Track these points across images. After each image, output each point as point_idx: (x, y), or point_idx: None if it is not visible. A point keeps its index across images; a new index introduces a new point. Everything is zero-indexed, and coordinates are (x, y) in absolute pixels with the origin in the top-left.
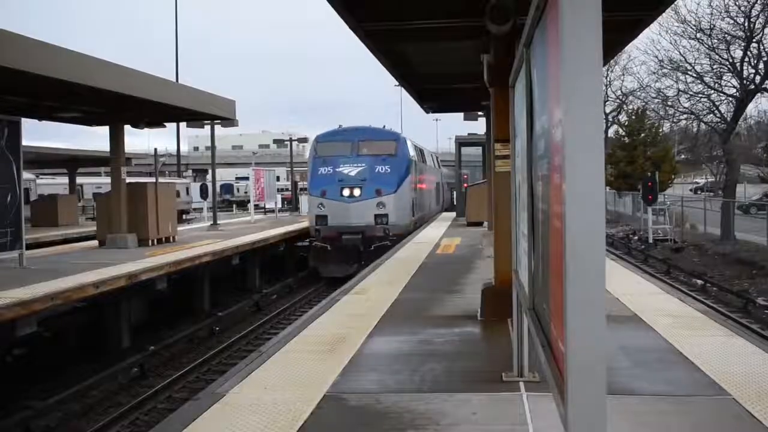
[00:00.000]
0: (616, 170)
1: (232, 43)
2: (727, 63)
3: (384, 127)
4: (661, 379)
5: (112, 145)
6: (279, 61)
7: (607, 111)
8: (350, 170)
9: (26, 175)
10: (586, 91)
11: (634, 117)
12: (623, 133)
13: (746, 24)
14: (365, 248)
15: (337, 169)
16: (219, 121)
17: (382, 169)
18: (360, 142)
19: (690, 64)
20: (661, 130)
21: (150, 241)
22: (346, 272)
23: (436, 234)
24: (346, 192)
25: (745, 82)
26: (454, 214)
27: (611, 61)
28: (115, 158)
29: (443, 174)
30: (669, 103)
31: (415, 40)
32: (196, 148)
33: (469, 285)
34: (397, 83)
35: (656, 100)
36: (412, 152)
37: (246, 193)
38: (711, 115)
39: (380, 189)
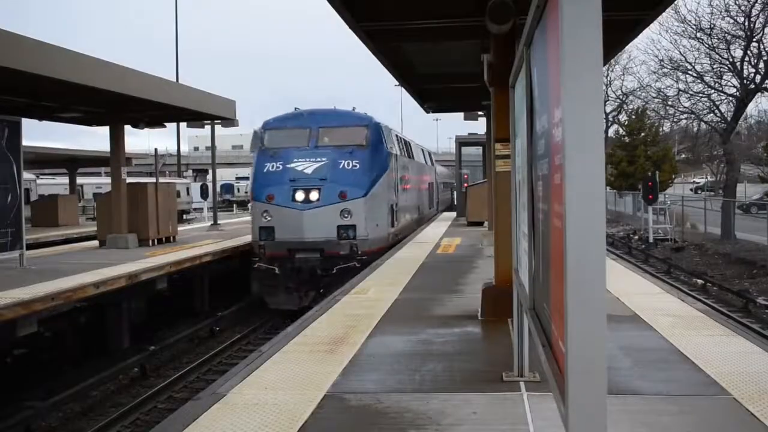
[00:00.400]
0: (617, 170)
1: (233, 43)
2: (728, 62)
3: (354, 109)
4: (662, 379)
5: (112, 145)
6: (279, 61)
7: (607, 111)
8: (306, 166)
9: (26, 175)
10: (586, 91)
11: (634, 117)
12: (623, 133)
13: (746, 23)
14: (325, 271)
15: (288, 166)
16: (219, 121)
17: (348, 164)
18: (320, 129)
19: (690, 63)
20: (661, 130)
21: (150, 241)
22: (300, 304)
23: (436, 234)
24: (299, 196)
25: (745, 81)
26: (454, 214)
27: (611, 61)
28: (115, 158)
29: (438, 173)
30: (669, 103)
31: (415, 40)
32: (196, 148)
33: (470, 285)
34: (397, 83)
35: (656, 100)
36: (391, 143)
37: (246, 192)
38: (711, 114)
39: (345, 191)
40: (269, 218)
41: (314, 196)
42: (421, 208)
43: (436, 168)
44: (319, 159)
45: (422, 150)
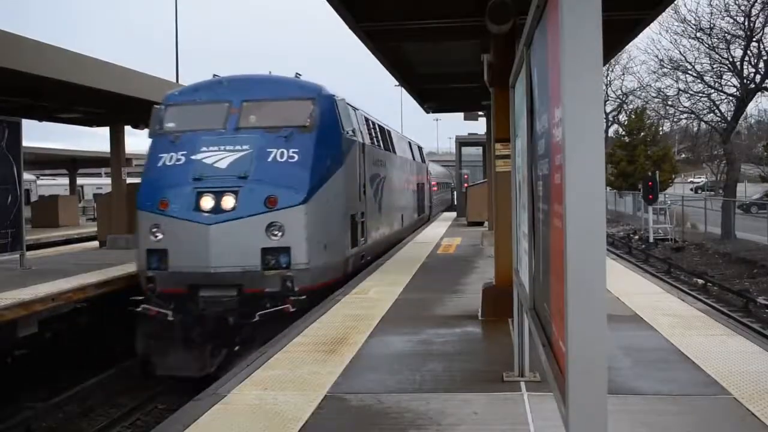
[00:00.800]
0: (617, 170)
1: (233, 43)
2: (728, 62)
3: (299, 77)
4: (662, 379)
5: (112, 145)
6: (279, 61)
7: (607, 111)
8: (219, 158)
9: (27, 176)
10: (586, 91)
11: (633, 116)
12: (623, 133)
13: (746, 23)
14: (243, 318)
15: (193, 157)
16: None
17: (282, 155)
18: (245, 103)
19: (690, 63)
20: (661, 130)
21: None
22: (204, 369)
23: (436, 234)
24: (206, 202)
25: (745, 81)
26: (454, 214)
27: (611, 61)
28: (115, 159)
29: (432, 172)
30: (669, 103)
31: (415, 40)
32: None
33: (470, 285)
34: (397, 83)
35: (656, 100)
36: (353, 127)
37: None
38: (711, 114)
39: (275, 195)
40: (160, 236)
41: (229, 202)
42: (406, 215)
43: (428, 166)
44: (239, 147)
45: (409, 143)
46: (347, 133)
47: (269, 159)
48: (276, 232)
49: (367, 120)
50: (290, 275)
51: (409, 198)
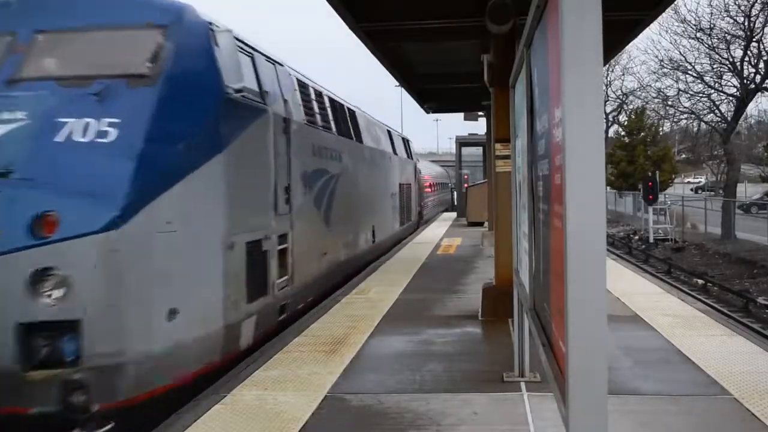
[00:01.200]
0: (617, 170)
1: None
2: (728, 62)
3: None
4: (662, 379)
5: None
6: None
7: (607, 111)
8: None
9: None
10: (586, 91)
11: (633, 116)
12: (623, 133)
13: (746, 23)
14: None
15: None
16: None
17: (86, 129)
18: (40, 35)
19: (690, 63)
20: (661, 130)
21: None
22: None
23: (436, 234)
24: None
25: (745, 81)
26: (454, 214)
27: (611, 61)
28: None
29: (423, 170)
30: (669, 103)
31: (415, 40)
32: None
33: (470, 285)
34: (397, 83)
35: (656, 100)
36: (261, 86)
37: None
38: (711, 114)
39: (54, 212)
40: None
41: None
42: (381, 227)
43: (417, 164)
44: (7, 115)
45: (389, 133)
46: (240, 93)
47: (59, 137)
48: (52, 291)
49: (303, 86)
50: (80, 379)
51: (386, 204)
